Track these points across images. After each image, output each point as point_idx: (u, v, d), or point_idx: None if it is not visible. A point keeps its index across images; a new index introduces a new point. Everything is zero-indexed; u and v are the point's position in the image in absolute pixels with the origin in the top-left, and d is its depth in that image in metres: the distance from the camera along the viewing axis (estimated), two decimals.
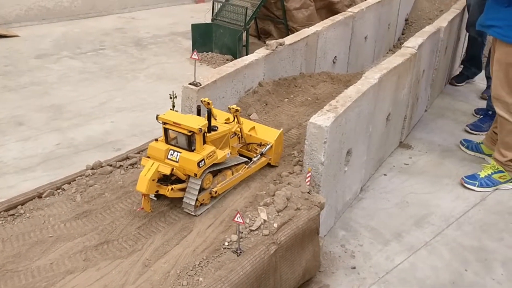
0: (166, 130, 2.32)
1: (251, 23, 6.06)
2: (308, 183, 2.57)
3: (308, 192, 2.47)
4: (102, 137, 3.87)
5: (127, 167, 2.84)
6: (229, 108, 2.79)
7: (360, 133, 3.28)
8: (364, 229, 2.79)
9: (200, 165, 2.21)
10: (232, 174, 2.51)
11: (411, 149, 4.24)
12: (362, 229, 2.80)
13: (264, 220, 2.20)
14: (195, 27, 5.76)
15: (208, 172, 2.30)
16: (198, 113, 2.66)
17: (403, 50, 4.04)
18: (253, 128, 2.98)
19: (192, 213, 2.29)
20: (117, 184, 2.60)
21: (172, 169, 2.22)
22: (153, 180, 2.17)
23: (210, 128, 2.46)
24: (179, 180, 2.28)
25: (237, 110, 2.72)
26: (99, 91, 5.02)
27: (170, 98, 2.94)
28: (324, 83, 4.24)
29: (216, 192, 2.39)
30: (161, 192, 2.25)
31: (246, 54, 5.17)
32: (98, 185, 2.45)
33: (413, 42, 4.15)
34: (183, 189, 2.32)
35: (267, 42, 4.01)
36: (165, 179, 2.39)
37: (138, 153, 3.00)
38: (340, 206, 3.27)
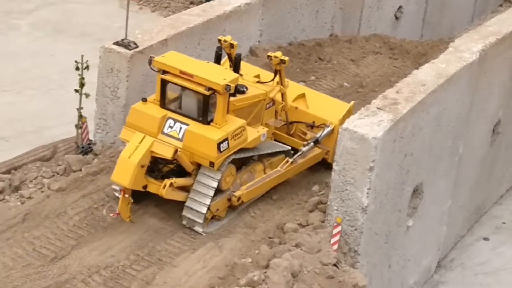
0: (164, 84, 2.44)
1: None
2: (336, 246, 2.60)
3: (335, 265, 2.50)
4: None
5: None
6: (268, 56, 2.89)
7: (441, 156, 3.32)
8: None
9: (222, 149, 2.36)
10: (264, 171, 2.63)
11: None
12: None
13: None
14: None
15: (231, 162, 2.40)
16: (217, 61, 2.75)
17: None
18: (302, 96, 3.05)
19: (200, 230, 2.36)
20: None
21: (176, 151, 2.32)
22: (141, 166, 2.28)
23: (236, 89, 2.69)
24: (178, 172, 2.38)
25: (283, 62, 2.84)
26: None
27: (77, 69, 2.99)
28: (376, 56, 4.28)
29: (239, 199, 2.50)
30: (151, 189, 2.39)
31: None
32: None
33: None
34: (186, 188, 2.43)
35: None
36: (151, 169, 2.47)
37: (8, 173, 3.00)
38: None
